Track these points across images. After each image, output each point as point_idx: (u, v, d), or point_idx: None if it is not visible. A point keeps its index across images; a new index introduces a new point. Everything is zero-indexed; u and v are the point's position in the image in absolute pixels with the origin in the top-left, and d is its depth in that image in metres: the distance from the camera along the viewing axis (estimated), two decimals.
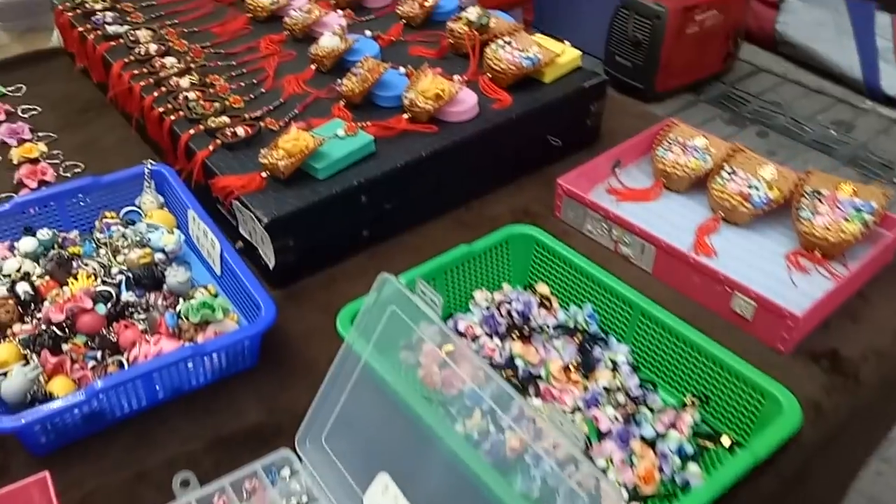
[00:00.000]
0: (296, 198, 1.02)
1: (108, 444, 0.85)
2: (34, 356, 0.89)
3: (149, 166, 1.14)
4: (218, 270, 1.03)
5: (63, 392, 0.86)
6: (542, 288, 0.99)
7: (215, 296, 1.01)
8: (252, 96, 1.23)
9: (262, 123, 1.15)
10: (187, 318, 0.94)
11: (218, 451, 0.84)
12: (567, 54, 1.27)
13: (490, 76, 1.24)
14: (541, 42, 1.27)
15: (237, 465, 0.77)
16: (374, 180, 1.07)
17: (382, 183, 1.08)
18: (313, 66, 1.30)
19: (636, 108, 1.55)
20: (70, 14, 1.45)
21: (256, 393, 0.91)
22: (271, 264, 1.03)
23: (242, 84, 1.26)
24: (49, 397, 0.85)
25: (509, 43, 1.25)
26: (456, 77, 1.21)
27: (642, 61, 3.03)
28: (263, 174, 1.05)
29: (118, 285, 1.00)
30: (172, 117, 1.17)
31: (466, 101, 1.17)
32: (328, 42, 1.29)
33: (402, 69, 1.26)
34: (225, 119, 1.15)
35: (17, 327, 0.94)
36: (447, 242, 1.00)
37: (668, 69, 3.04)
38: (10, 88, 1.47)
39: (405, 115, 1.16)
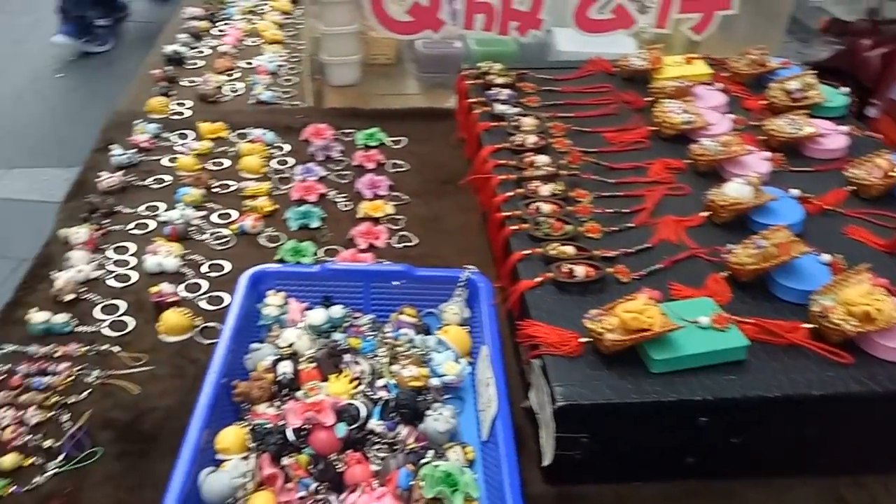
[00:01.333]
0: (612, 387, 0.79)
1: None
2: (254, 456, 0.78)
3: (467, 273, 1.00)
4: (484, 434, 0.83)
5: None
6: None
7: (470, 464, 0.82)
8: (615, 228, 1.03)
9: (610, 270, 0.93)
10: (421, 484, 0.76)
11: None
12: None
13: None
14: None
15: None
16: (727, 402, 0.78)
17: (739, 409, 0.78)
18: (705, 214, 1.05)
19: None
20: (470, 82, 1.41)
21: None
22: (547, 457, 0.80)
23: (609, 210, 1.06)
24: None
25: None
26: None
27: None
28: (583, 339, 0.83)
29: (374, 402, 0.86)
30: (514, 227, 1.02)
31: None
32: (734, 191, 1.03)
33: (825, 256, 0.94)
34: (569, 250, 0.96)
35: (261, 408, 0.85)
36: None
37: None
38: (391, 139, 1.48)
39: (806, 325, 0.84)
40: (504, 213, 1.06)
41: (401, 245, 1.20)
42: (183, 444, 0.76)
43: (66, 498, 0.79)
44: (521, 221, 1.04)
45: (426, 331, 0.98)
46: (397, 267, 1.01)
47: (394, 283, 1.01)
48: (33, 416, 0.88)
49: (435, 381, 0.90)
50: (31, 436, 0.85)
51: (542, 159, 1.16)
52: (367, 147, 1.46)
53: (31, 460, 0.83)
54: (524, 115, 1.28)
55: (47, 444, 0.85)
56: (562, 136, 1.24)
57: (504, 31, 1.56)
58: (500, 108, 1.30)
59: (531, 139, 1.21)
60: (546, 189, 1.09)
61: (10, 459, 0.82)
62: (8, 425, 0.86)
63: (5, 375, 0.93)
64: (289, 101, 1.64)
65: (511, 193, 1.10)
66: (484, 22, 1.55)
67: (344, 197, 1.31)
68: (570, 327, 0.86)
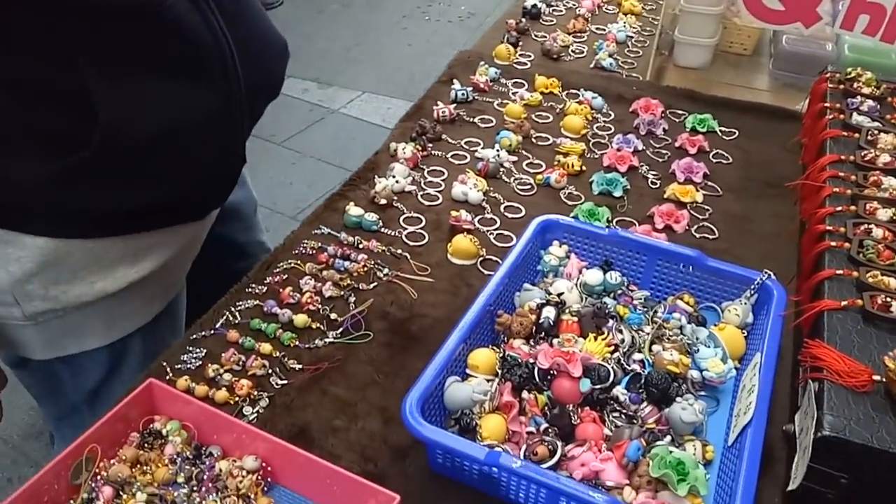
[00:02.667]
0: (894, 435, 0.70)
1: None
2: (497, 381, 0.84)
3: (763, 277, 0.95)
4: (731, 438, 0.80)
5: (489, 434, 0.79)
6: None
7: (706, 464, 0.79)
8: None
9: None
10: (650, 463, 0.75)
11: None
12: None
13: None
14: None
15: None
16: None
17: None
18: None
19: None
20: (830, 85, 1.30)
21: None
22: (794, 482, 0.75)
23: None
24: (473, 428, 0.79)
25: None
26: None
27: None
28: (877, 377, 0.75)
29: (626, 372, 0.86)
30: (833, 243, 0.94)
31: None
32: None
33: None
34: (892, 282, 0.87)
35: (516, 342, 0.90)
36: None
37: None
38: (723, 129, 1.43)
39: None
40: (825, 227, 0.99)
41: (699, 235, 1.17)
42: (440, 349, 0.84)
43: (337, 364, 0.92)
44: (843, 239, 0.96)
45: (701, 323, 0.96)
46: (689, 251, 0.99)
47: (683, 267, 1.00)
48: (328, 290, 1.02)
49: (695, 374, 0.88)
50: (322, 306, 1.00)
51: (891, 182, 1.05)
52: (695, 131, 1.43)
53: (317, 325, 0.97)
54: (884, 132, 1.16)
55: (333, 316, 0.98)
56: None
57: (890, 38, 1.40)
58: (857, 118, 1.19)
59: (884, 158, 1.09)
60: (885, 214, 0.99)
61: (301, 319, 0.97)
62: (308, 292, 1.01)
63: (316, 251, 1.09)
64: (628, 71, 1.65)
65: (839, 208, 1.02)
66: (867, 24, 1.41)
67: (655, 174, 1.30)
68: (863, 362, 0.78)
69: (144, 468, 0.76)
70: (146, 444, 0.77)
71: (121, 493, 0.73)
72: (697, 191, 1.26)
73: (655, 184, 1.28)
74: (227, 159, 0.97)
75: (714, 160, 1.35)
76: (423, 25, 4.27)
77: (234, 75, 0.88)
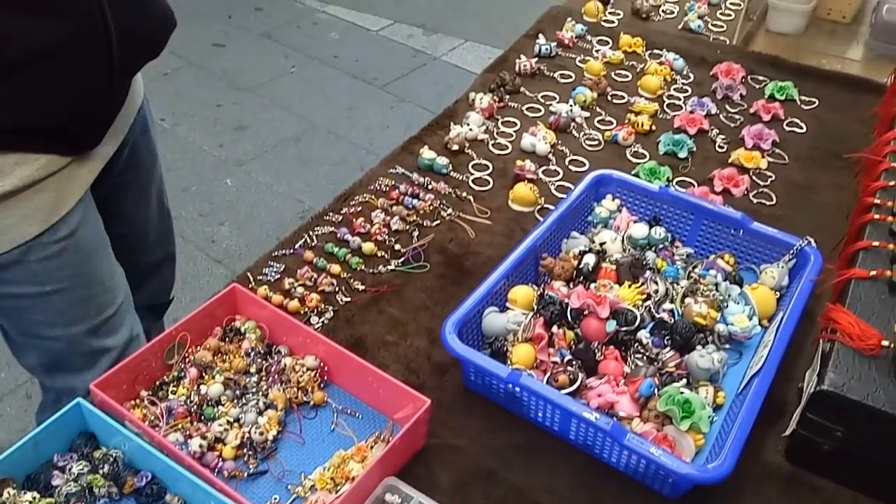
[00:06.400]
0: (891, 398, 0.76)
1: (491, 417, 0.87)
2: (533, 316, 0.93)
3: (802, 243, 0.99)
4: (741, 386, 0.87)
5: (518, 360, 0.89)
6: None
7: (716, 408, 0.87)
8: None
9: None
10: (659, 397, 0.84)
11: None
12: None
13: None
14: None
15: None
16: None
17: None
18: None
19: None
20: None
21: None
22: (788, 429, 0.81)
23: None
24: (503, 354, 0.89)
25: None
26: None
27: None
28: (886, 342, 0.80)
29: (652, 318, 0.94)
30: (877, 216, 0.98)
31: None
32: None
33: None
34: None
35: (556, 283, 0.98)
36: None
37: None
38: (804, 98, 1.43)
39: None
40: (875, 200, 1.01)
41: (756, 200, 1.21)
42: (483, 280, 0.93)
43: (395, 288, 1.03)
44: (888, 213, 0.99)
45: (738, 282, 1.01)
46: (734, 213, 1.04)
47: (730, 229, 1.05)
48: (396, 224, 1.13)
49: (721, 327, 0.94)
50: (388, 237, 1.11)
51: None
52: (773, 98, 1.44)
53: (381, 253, 1.08)
54: None
55: (397, 246, 1.09)
56: None
57: None
58: None
59: None
60: None
61: (368, 246, 1.08)
62: (377, 223, 1.13)
63: (389, 188, 1.20)
64: (716, 34, 1.66)
65: (892, 183, 1.04)
66: None
67: (724, 138, 1.33)
68: (880, 329, 0.83)
69: (224, 357, 0.90)
70: (227, 338, 0.91)
71: (203, 374, 0.87)
72: (763, 157, 1.29)
73: (722, 147, 1.32)
74: (95, 97, 0.98)
75: (787, 128, 1.37)
76: None
77: (102, 15, 0.92)
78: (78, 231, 1.02)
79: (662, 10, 1.73)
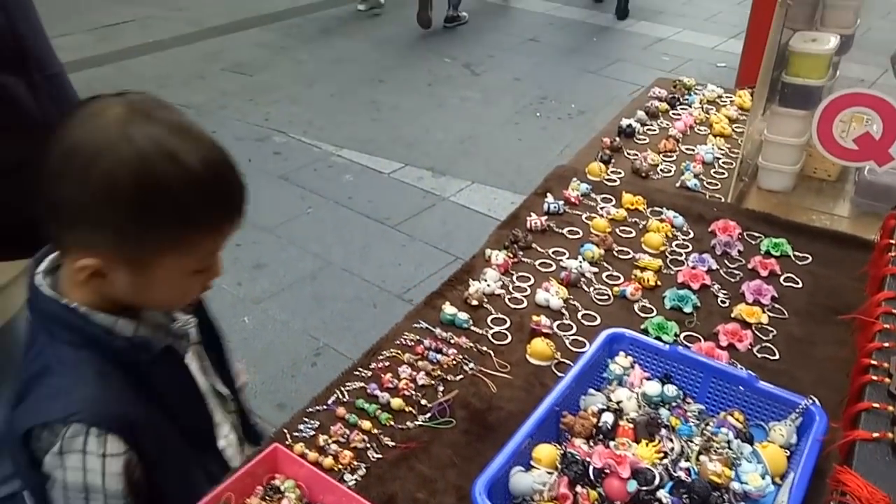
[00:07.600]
0: None
1: None
2: (556, 475, 0.97)
3: (807, 403, 1.05)
4: None
5: None
6: None
7: None
8: None
9: None
10: None
11: None
12: None
13: None
14: None
15: None
16: None
17: None
18: None
19: None
20: None
21: None
22: None
23: None
24: None
25: None
26: None
27: None
28: None
29: (671, 477, 0.98)
30: (875, 378, 1.03)
31: None
32: None
33: None
34: None
35: (577, 441, 1.03)
36: None
37: None
38: (797, 254, 1.52)
39: None
40: (871, 361, 1.07)
41: (760, 355, 1.27)
42: (509, 441, 0.98)
43: (423, 444, 1.08)
44: (886, 374, 1.05)
45: (749, 440, 1.06)
46: (741, 373, 1.11)
47: (740, 387, 1.10)
48: (422, 379, 1.19)
49: (736, 486, 0.98)
50: (415, 392, 1.16)
51: None
52: (769, 254, 1.53)
53: (409, 409, 1.14)
54: None
55: (423, 401, 1.15)
56: None
57: None
58: None
59: None
60: None
61: (397, 402, 1.14)
62: (404, 379, 1.18)
63: (414, 343, 1.26)
64: (711, 192, 1.77)
65: (887, 344, 1.10)
66: None
67: (725, 293, 1.41)
68: (889, 493, 0.87)
69: None
70: (268, 496, 0.95)
71: None
72: (763, 312, 1.36)
73: (725, 303, 1.40)
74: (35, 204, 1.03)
75: (784, 283, 1.45)
76: (534, 121, 4.50)
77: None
78: None
79: (660, 170, 1.86)
